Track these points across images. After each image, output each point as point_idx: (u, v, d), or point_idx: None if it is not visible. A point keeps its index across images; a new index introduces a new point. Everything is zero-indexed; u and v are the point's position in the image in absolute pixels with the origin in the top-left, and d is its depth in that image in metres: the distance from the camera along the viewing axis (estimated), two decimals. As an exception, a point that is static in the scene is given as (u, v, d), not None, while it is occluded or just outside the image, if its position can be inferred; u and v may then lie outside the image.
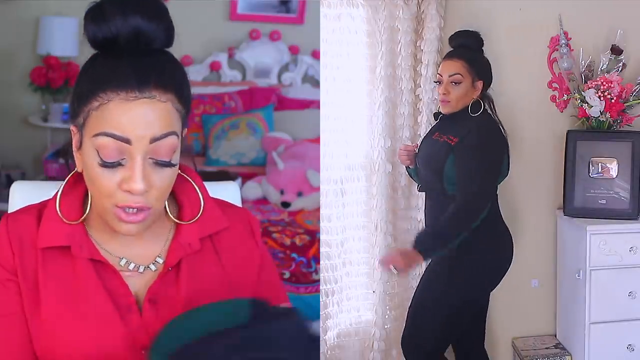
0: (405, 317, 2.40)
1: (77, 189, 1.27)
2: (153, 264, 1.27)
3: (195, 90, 4.39)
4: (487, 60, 2.37)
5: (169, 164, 1.15)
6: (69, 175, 1.27)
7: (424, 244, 2.12)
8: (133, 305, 1.23)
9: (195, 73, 4.54)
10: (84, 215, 1.24)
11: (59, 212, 1.23)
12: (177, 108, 1.17)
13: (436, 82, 2.34)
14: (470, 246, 2.16)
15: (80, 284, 1.21)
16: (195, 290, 1.26)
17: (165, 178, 1.17)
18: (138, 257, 1.27)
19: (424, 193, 2.40)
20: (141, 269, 1.26)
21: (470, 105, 2.28)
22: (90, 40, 1.16)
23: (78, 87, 1.16)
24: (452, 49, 2.39)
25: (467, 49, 2.35)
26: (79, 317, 1.20)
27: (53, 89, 3.99)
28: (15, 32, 4.12)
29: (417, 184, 2.44)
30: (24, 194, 1.59)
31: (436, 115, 2.42)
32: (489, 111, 2.33)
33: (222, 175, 3.56)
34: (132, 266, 1.25)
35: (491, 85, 2.36)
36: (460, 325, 2.32)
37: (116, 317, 1.21)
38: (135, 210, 1.15)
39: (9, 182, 3.50)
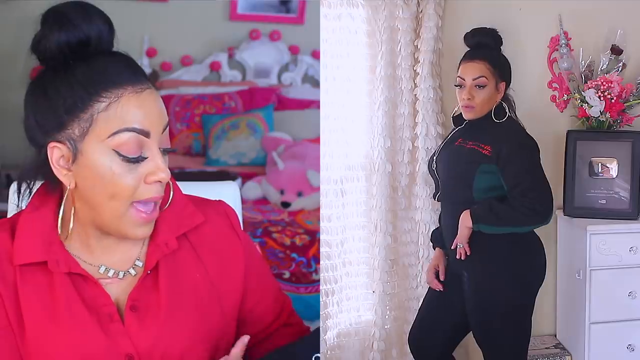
0: (427, 320, 2.37)
1: (48, 201, 1.24)
2: (132, 268, 1.26)
3: (195, 90, 4.43)
4: (507, 60, 2.28)
5: (171, 150, 1.20)
6: (34, 194, 1.24)
7: (477, 211, 2.11)
8: (114, 314, 1.21)
9: (195, 73, 4.55)
10: (69, 232, 1.21)
11: (59, 230, 1.21)
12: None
13: (457, 86, 2.23)
14: (529, 246, 2.18)
15: (59, 298, 1.19)
16: (176, 294, 1.25)
17: (168, 163, 1.19)
18: (117, 262, 1.25)
19: (427, 201, 2.37)
20: (121, 275, 1.25)
21: (494, 110, 2.19)
22: (59, 48, 1.14)
23: (61, 98, 1.13)
24: (468, 48, 2.28)
25: (487, 48, 2.24)
26: (61, 331, 1.18)
27: (53, 89, 4.00)
28: (15, 32, 4.12)
29: (435, 193, 2.32)
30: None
31: (455, 120, 2.32)
32: (512, 115, 2.25)
33: (222, 175, 3.56)
34: (111, 273, 1.24)
35: (511, 85, 2.28)
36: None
37: (97, 327, 1.19)
38: (153, 204, 1.17)
39: (9, 182, 3.49)
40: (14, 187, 1.66)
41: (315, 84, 4.50)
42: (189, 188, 1.36)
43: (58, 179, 1.18)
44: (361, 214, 2.75)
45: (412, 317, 2.67)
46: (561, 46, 2.74)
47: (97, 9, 1.17)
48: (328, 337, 2.68)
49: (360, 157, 2.74)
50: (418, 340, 2.37)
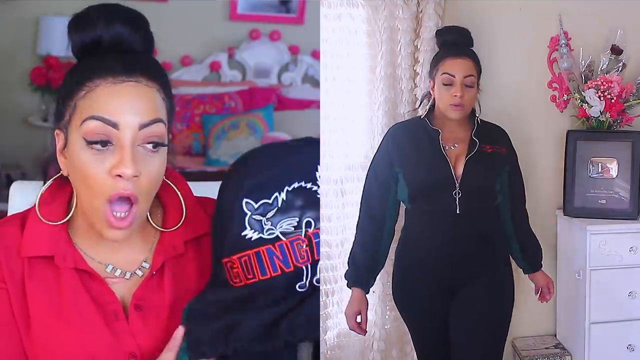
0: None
1: (60, 195, 1.25)
2: (139, 269, 1.26)
3: (195, 90, 4.43)
4: None
5: (160, 144, 1.17)
6: (50, 181, 1.26)
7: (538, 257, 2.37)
8: (120, 312, 1.22)
9: (195, 73, 4.56)
10: (68, 217, 1.23)
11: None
12: (162, 97, 1.20)
13: (446, 85, 2.10)
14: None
15: (65, 293, 1.20)
16: (181, 295, 1.25)
17: (155, 165, 1.18)
18: (124, 262, 1.26)
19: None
20: (127, 275, 1.25)
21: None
22: (77, 48, 1.19)
23: (62, 89, 1.18)
24: (442, 45, 2.29)
25: (467, 46, 2.25)
26: (66, 327, 1.19)
27: (53, 88, 4.00)
28: (15, 32, 4.12)
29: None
30: (24, 194, 1.59)
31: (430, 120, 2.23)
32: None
33: (222, 175, 3.56)
34: (118, 272, 1.25)
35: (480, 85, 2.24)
36: None
37: (102, 324, 1.20)
38: (124, 213, 1.14)
39: (9, 182, 3.50)
40: (14, 186, 1.67)
41: (315, 84, 4.51)
42: (188, 188, 1.36)
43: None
44: (361, 214, 2.75)
45: (412, 317, 2.67)
46: (561, 46, 2.73)
47: (121, 14, 1.19)
48: (328, 337, 2.67)
49: (360, 157, 2.73)
50: None
